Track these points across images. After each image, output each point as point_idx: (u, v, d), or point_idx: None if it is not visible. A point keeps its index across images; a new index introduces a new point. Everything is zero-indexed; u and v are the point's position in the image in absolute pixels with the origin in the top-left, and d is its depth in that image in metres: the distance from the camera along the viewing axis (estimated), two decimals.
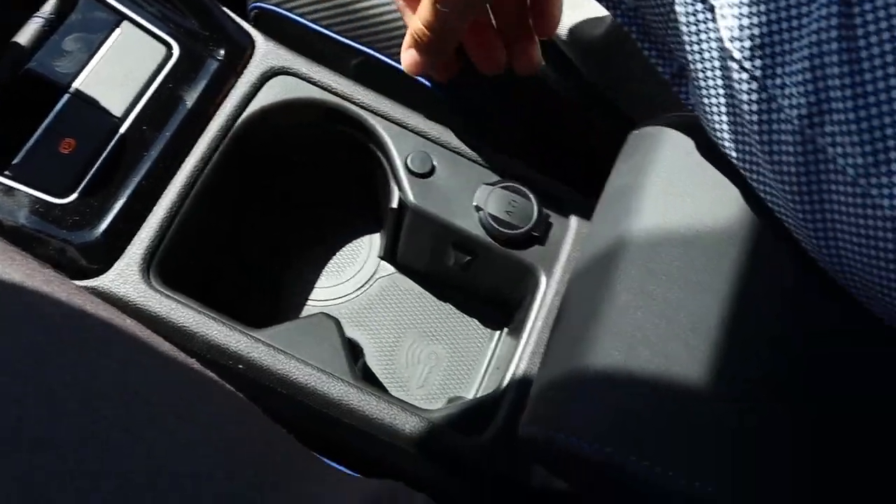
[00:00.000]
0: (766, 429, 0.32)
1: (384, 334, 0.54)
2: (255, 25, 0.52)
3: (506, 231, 0.47)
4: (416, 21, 0.43)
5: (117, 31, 0.47)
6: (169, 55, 0.47)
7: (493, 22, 0.48)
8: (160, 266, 0.44)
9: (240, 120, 0.48)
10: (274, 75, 0.50)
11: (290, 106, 0.50)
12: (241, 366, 0.42)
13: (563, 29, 0.50)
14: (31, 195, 0.42)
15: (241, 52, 0.50)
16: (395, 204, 0.49)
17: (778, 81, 0.30)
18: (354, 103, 0.50)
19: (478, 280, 0.52)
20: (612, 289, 0.36)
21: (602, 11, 0.50)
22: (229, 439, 0.30)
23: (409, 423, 0.42)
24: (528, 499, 0.43)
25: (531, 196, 0.48)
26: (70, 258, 0.42)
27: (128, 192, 0.44)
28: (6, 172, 0.42)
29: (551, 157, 0.57)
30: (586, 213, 0.49)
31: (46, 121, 0.43)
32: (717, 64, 0.32)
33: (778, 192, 0.33)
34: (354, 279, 0.56)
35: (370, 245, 0.57)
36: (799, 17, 0.29)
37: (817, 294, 0.35)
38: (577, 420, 0.33)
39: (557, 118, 0.57)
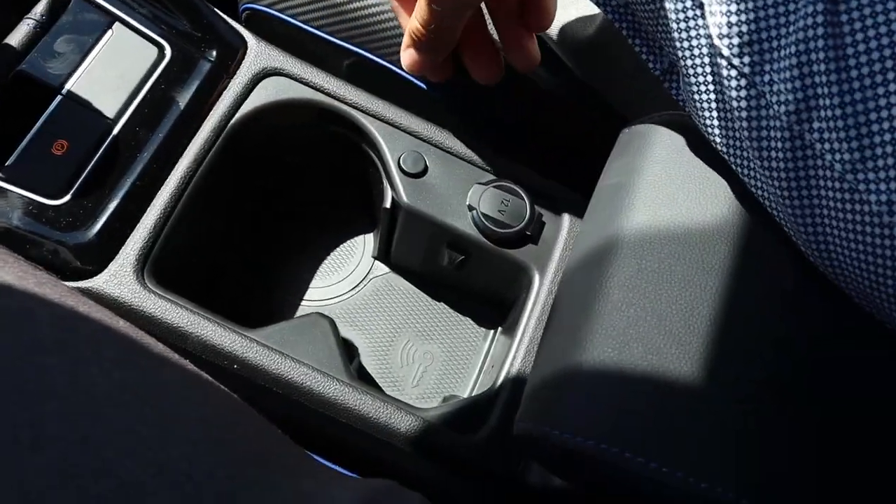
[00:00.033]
0: (759, 423, 0.32)
1: (379, 334, 0.54)
2: (246, 26, 0.52)
3: (499, 230, 0.47)
4: (414, 21, 0.44)
5: (109, 32, 0.47)
6: (161, 56, 0.47)
7: (489, 20, 0.49)
8: (154, 267, 0.44)
9: (233, 121, 0.48)
10: (266, 76, 0.50)
11: (282, 106, 0.50)
12: (236, 366, 0.42)
13: (553, 27, 0.50)
14: (24, 197, 0.42)
15: (234, 53, 0.50)
16: (388, 204, 0.50)
17: (766, 78, 0.30)
18: (347, 104, 0.50)
19: (472, 279, 0.52)
20: (605, 286, 0.36)
21: (592, 9, 0.50)
22: (228, 439, 0.30)
23: (404, 422, 0.42)
24: (524, 497, 0.43)
25: (524, 195, 0.48)
26: (64, 259, 0.42)
27: (121, 193, 0.44)
28: None
29: (543, 155, 0.58)
30: (579, 211, 0.49)
31: (39, 122, 0.43)
32: (706, 61, 0.32)
33: (768, 187, 0.33)
34: (349, 279, 0.56)
35: (364, 245, 0.57)
36: (786, 14, 0.29)
37: (810, 291, 0.35)
38: (572, 416, 0.33)
39: (549, 117, 0.57)
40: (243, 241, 0.56)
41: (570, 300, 0.38)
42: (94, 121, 0.44)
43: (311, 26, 0.56)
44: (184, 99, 0.47)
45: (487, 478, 0.43)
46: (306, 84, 0.50)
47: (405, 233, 0.51)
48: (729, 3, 0.30)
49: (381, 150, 0.49)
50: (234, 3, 0.60)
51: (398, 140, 0.50)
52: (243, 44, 0.50)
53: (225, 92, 0.48)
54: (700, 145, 0.38)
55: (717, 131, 0.34)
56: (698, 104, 0.34)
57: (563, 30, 0.51)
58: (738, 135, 0.33)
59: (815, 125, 0.29)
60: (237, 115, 0.48)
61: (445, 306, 0.55)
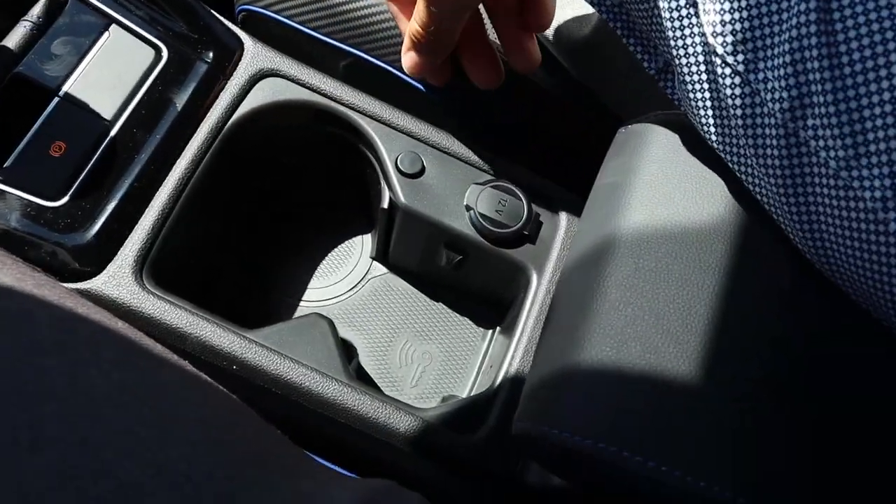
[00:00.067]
0: (756, 421, 0.32)
1: (377, 334, 0.54)
2: (242, 28, 0.52)
3: (496, 230, 0.47)
4: (413, 23, 0.44)
5: (106, 34, 0.47)
6: (158, 58, 0.48)
7: (489, 21, 0.49)
8: (152, 268, 0.44)
9: (230, 122, 0.48)
10: (263, 77, 0.50)
11: (279, 108, 0.50)
12: (234, 366, 0.42)
13: (549, 27, 0.50)
14: (22, 198, 0.42)
15: (230, 54, 0.50)
16: (385, 204, 0.50)
17: (760, 76, 0.30)
18: (344, 104, 0.50)
19: (469, 279, 0.53)
20: (603, 286, 0.36)
21: (587, 9, 0.50)
22: (227, 439, 0.30)
23: (403, 422, 0.42)
24: (523, 496, 0.43)
25: (521, 195, 0.48)
26: (62, 261, 0.42)
27: (119, 194, 0.44)
28: None
29: (540, 155, 0.58)
30: (576, 211, 0.49)
31: (36, 124, 0.43)
32: (701, 59, 0.33)
33: (765, 184, 0.33)
34: (347, 280, 0.56)
35: (362, 245, 0.57)
36: (779, 12, 0.29)
37: (806, 289, 0.35)
38: (570, 416, 0.33)
39: (546, 117, 0.57)
40: (240, 242, 0.56)
41: (567, 300, 0.38)
42: (91, 122, 0.44)
43: (308, 27, 0.56)
44: (181, 100, 0.47)
45: (486, 478, 0.43)
46: (303, 85, 0.50)
47: (403, 233, 0.51)
48: (723, 1, 0.30)
49: (379, 151, 0.49)
50: (230, 4, 0.60)
51: (395, 141, 0.50)
52: (240, 45, 0.50)
53: (222, 93, 0.48)
54: (696, 145, 0.39)
55: (712, 129, 0.34)
56: (693, 103, 0.34)
57: (559, 30, 0.51)
58: (733, 132, 0.33)
59: (810, 122, 0.29)
60: (234, 117, 0.48)
61: (443, 306, 0.55)
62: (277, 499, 0.29)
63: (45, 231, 0.42)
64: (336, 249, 0.57)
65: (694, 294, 0.35)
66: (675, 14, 0.33)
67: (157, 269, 0.44)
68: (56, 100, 0.44)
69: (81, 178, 0.43)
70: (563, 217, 0.50)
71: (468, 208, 0.48)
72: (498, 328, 0.55)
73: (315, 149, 0.54)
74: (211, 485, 0.28)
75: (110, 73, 0.46)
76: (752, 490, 0.31)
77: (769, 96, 0.30)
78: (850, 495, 0.32)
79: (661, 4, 0.33)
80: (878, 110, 0.27)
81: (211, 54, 0.49)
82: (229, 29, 0.51)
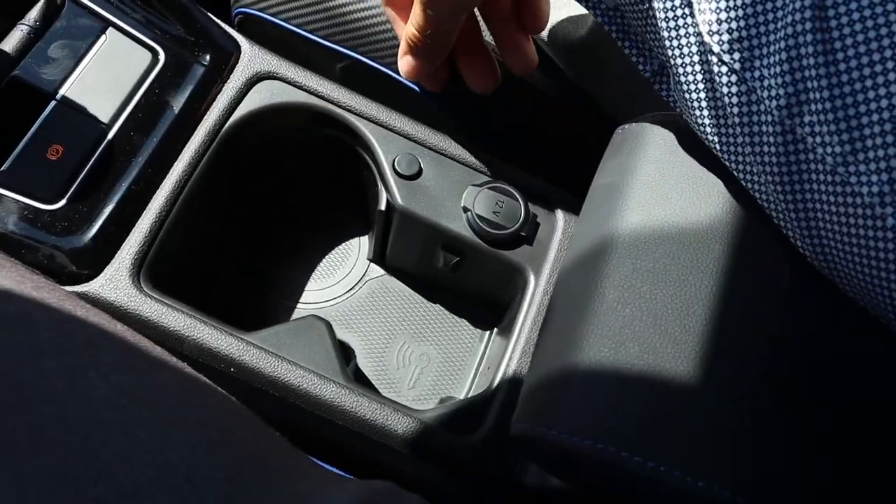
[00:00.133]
0: (755, 421, 0.32)
1: (375, 336, 0.54)
2: (238, 30, 0.52)
3: (494, 231, 0.48)
4: (410, 27, 0.44)
5: (103, 37, 0.47)
6: (155, 61, 0.48)
7: (484, 25, 0.49)
8: (150, 270, 0.44)
9: (227, 125, 0.48)
10: (260, 80, 0.50)
11: (276, 110, 0.50)
12: (232, 369, 0.42)
13: (544, 30, 0.51)
14: (19, 201, 0.42)
15: (227, 57, 0.50)
16: (383, 206, 0.50)
17: (756, 74, 0.31)
18: (341, 107, 0.50)
19: (467, 281, 0.53)
20: (600, 286, 0.36)
21: (582, 11, 0.51)
22: (226, 441, 0.30)
23: (401, 424, 0.42)
24: (522, 497, 0.43)
25: (518, 196, 0.48)
26: (60, 264, 0.42)
27: (116, 197, 0.44)
28: None
29: (537, 156, 0.58)
30: (573, 211, 0.50)
31: (33, 128, 0.43)
32: (696, 59, 0.33)
33: (762, 182, 0.33)
34: (344, 281, 0.56)
35: (359, 247, 0.57)
36: (775, 10, 0.29)
37: (805, 289, 0.35)
38: (568, 416, 0.33)
39: (543, 118, 0.58)
40: (238, 244, 0.56)
41: (565, 300, 0.38)
42: (88, 126, 0.44)
43: (304, 30, 0.57)
44: (178, 103, 0.47)
45: (484, 479, 0.43)
46: (300, 87, 0.50)
47: (400, 235, 0.51)
48: (718, 0, 0.31)
49: (376, 153, 0.49)
50: (226, 7, 0.60)
51: (392, 142, 0.50)
52: (237, 48, 0.50)
53: (219, 96, 0.48)
54: (693, 145, 0.39)
55: (709, 129, 0.34)
56: (690, 102, 0.35)
57: (554, 31, 0.51)
58: (730, 131, 0.33)
59: (806, 119, 0.29)
60: (231, 119, 0.48)
61: (441, 308, 0.55)
62: (277, 500, 0.29)
63: (42, 234, 0.42)
64: (333, 251, 0.57)
65: (692, 294, 0.35)
66: (671, 14, 0.33)
67: (155, 271, 0.44)
68: (53, 103, 0.44)
69: (79, 181, 0.43)
70: (561, 218, 0.50)
71: (465, 210, 0.48)
72: (495, 329, 0.55)
73: (312, 151, 0.54)
74: (210, 486, 0.28)
75: (107, 76, 0.46)
76: (752, 489, 0.31)
77: (766, 94, 0.30)
78: (849, 494, 0.32)
79: (655, 5, 0.33)
80: (874, 106, 0.27)
81: (208, 57, 0.49)
82: (226, 32, 0.51)
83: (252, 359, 0.42)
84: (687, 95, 0.34)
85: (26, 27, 0.45)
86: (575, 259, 0.39)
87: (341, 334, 0.53)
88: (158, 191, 0.45)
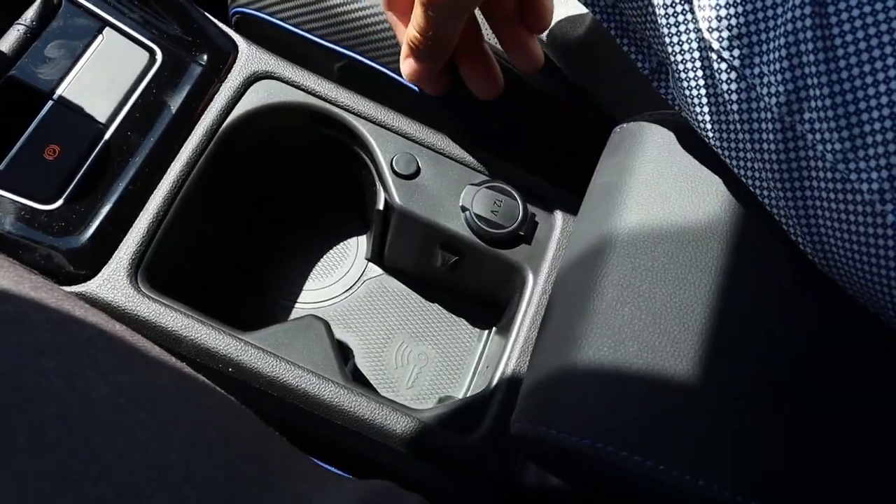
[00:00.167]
0: (755, 420, 0.32)
1: (373, 336, 0.54)
2: (236, 30, 0.52)
3: (492, 231, 0.47)
4: (411, 29, 0.44)
5: (100, 37, 0.46)
6: (152, 61, 0.47)
7: (487, 29, 0.49)
8: (148, 270, 0.44)
9: (224, 124, 0.48)
10: (257, 79, 0.50)
11: (274, 110, 0.50)
12: (230, 369, 0.42)
13: (548, 29, 0.51)
14: (16, 202, 0.41)
15: (225, 56, 0.50)
16: (381, 206, 0.50)
17: (756, 70, 0.31)
18: (338, 106, 0.50)
19: (465, 280, 0.53)
20: (599, 285, 0.36)
21: (581, 9, 0.51)
22: (226, 441, 0.30)
23: (400, 424, 0.42)
24: (521, 497, 0.43)
25: (516, 195, 0.48)
26: (57, 264, 0.42)
27: (114, 197, 0.44)
28: None
29: (535, 156, 0.58)
30: (571, 211, 0.49)
31: (31, 128, 0.43)
32: (696, 55, 0.33)
33: (762, 179, 0.33)
34: (342, 281, 0.56)
35: (357, 247, 0.57)
36: (774, 6, 0.29)
37: (806, 288, 0.35)
38: (567, 415, 0.33)
39: (541, 117, 0.58)
40: (235, 244, 0.56)
41: (564, 299, 0.38)
42: (85, 126, 0.44)
43: (302, 30, 0.56)
44: (175, 103, 0.47)
45: (483, 478, 0.43)
46: (297, 87, 0.50)
47: (398, 234, 0.51)
48: None
49: (374, 152, 0.49)
50: (223, 7, 0.60)
51: (390, 142, 0.50)
52: (234, 47, 0.50)
53: (216, 96, 0.48)
54: (692, 144, 0.39)
55: (708, 126, 0.34)
56: (689, 99, 0.35)
57: (553, 30, 0.51)
58: (730, 128, 0.33)
59: (806, 116, 0.29)
60: (228, 119, 0.48)
61: (439, 307, 0.55)
62: (277, 500, 0.29)
63: (39, 234, 0.41)
64: (331, 251, 0.57)
65: (691, 293, 0.35)
66: (670, 10, 0.33)
67: (152, 272, 0.44)
68: (50, 103, 0.44)
69: (76, 181, 0.43)
70: (559, 217, 0.50)
71: (464, 209, 0.48)
72: (494, 329, 0.55)
73: (310, 151, 0.54)
74: (210, 486, 0.28)
75: (104, 76, 0.46)
76: (752, 489, 0.31)
77: (765, 91, 0.30)
78: (849, 493, 0.32)
79: (655, 1, 0.33)
80: (874, 102, 0.27)
81: (205, 57, 0.49)
82: (223, 31, 0.51)
83: (250, 359, 0.42)
84: (686, 92, 0.34)
85: (23, 27, 0.44)
86: (574, 258, 0.39)
87: (339, 334, 0.53)
88: (156, 191, 0.45)
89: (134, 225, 0.44)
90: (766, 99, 0.30)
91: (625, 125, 0.42)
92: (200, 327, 0.42)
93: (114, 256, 0.43)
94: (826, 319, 0.35)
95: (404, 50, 0.47)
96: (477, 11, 0.48)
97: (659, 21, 0.33)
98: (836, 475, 0.32)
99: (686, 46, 0.33)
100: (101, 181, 0.44)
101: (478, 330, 0.55)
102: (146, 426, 0.28)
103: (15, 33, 0.44)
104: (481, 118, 0.57)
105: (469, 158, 0.50)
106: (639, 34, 0.38)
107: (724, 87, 0.32)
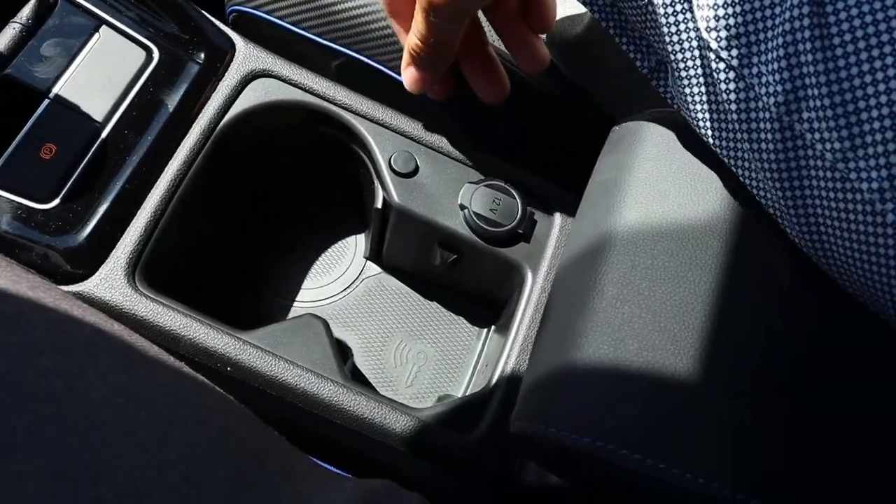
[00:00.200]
0: (755, 418, 0.32)
1: (372, 334, 0.54)
2: (233, 28, 0.52)
3: (491, 229, 0.47)
4: (412, 37, 0.43)
5: (96, 35, 0.46)
6: (149, 59, 0.47)
7: (491, 27, 0.48)
8: (145, 270, 0.44)
9: (222, 123, 0.48)
10: (255, 78, 0.50)
11: (272, 108, 0.50)
12: (229, 368, 0.42)
13: (551, 29, 0.50)
14: (12, 201, 0.41)
15: (222, 55, 0.49)
16: (379, 204, 0.49)
17: (755, 70, 0.31)
18: (336, 104, 0.50)
19: (464, 278, 0.52)
20: (599, 283, 0.36)
21: (580, 8, 0.50)
22: (225, 441, 0.30)
23: (399, 422, 0.42)
24: (521, 496, 0.43)
25: (515, 194, 0.48)
26: (54, 263, 0.41)
27: (111, 196, 0.43)
28: None
29: (534, 154, 0.58)
30: (570, 209, 0.49)
31: (27, 126, 0.43)
32: (696, 54, 0.33)
33: (760, 179, 0.33)
34: (341, 280, 0.56)
35: (355, 245, 0.57)
36: (772, 6, 0.29)
37: (805, 286, 0.35)
38: (567, 414, 0.33)
39: (540, 116, 0.57)
40: (233, 243, 0.56)
41: (564, 298, 0.38)
42: (82, 124, 0.44)
43: (299, 28, 0.56)
44: (172, 102, 0.47)
45: (483, 477, 0.43)
46: (295, 85, 0.50)
47: (397, 233, 0.51)
48: None
49: (372, 151, 0.49)
50: (220, 5, 0.60)
51: (388, 140, 0.50)
52: (231, 46, 0.50)
53: (213, 94, 0.48)
54: (691, 142, 0.39)
55: (707, 125, 0.34)
56: (688, 98, 0.34)
57: (552, 29, 0.51)
58: (728, 127, 0.33)
59: (805, 115, 0.29)
60: (226, 118, 0.48)
61: (438, 306, 0.55)
62: (276, 500, 0.29)
63: (35, 234, 0.41)
64: (329, 249, 0.57)
65: (691, 291, 0.35)
66: (670, 10, 0.33)
67: (150, 271, 0.44)
68: (46, 102, 0.44)
69: (72, 180, 0.43)
70: (558, 215, 0.50)
71: (462, 207, 0.48)
72: (493, 327, 0.54)
73: (308, 149, 0.53)
74: (209, 486, 0.28)
75: (101, 74, 0.46)
76: (751, 487, 0.31)
77: (763, 90, 0.30)
78: (849, 491, 0.32)
79: (655, 0, 0.33)
80: (873, 101, 0.27)
81: (202, 55, 0.49)
82: (220, 30, 0.51)
83: (249, 358, 0.42)
84: (685, 91, 0.34)
85: (18, 25, 0.44)
86: (573, 256, 0.39)
87: (338, 333, 0.53)
88: (153, 190, 0.45)
89: (131, 224, 0.44)
90: (765, 99, 0.30)
91: (623, 123, 0.42)
92: (199, 326, 0.42)
93: (111, 256, 0.43)
94: (825, 317, 0.35)
95: (405, 58, 0.46)
96: (480, 15, 0.47)
97: (659, 20, 0.33)
98: (836, 473, 0.32)
99: (686, 45, 0.33)
100: (98, 180, 0.44)
101: (477, 328, 0.55)
102: (145, 426, 0.28)
103: (10, 31, 0.44)
104: (481, 118, 0.57)
105: (467, 157, 0.50)
106: (638, 33, 0.38)
107: (723, 86, 0.32)
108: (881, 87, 0.27)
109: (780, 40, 0.29)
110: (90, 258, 0.42)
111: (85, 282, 0.42)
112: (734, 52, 0.31)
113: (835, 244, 0.31)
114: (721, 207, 0.37)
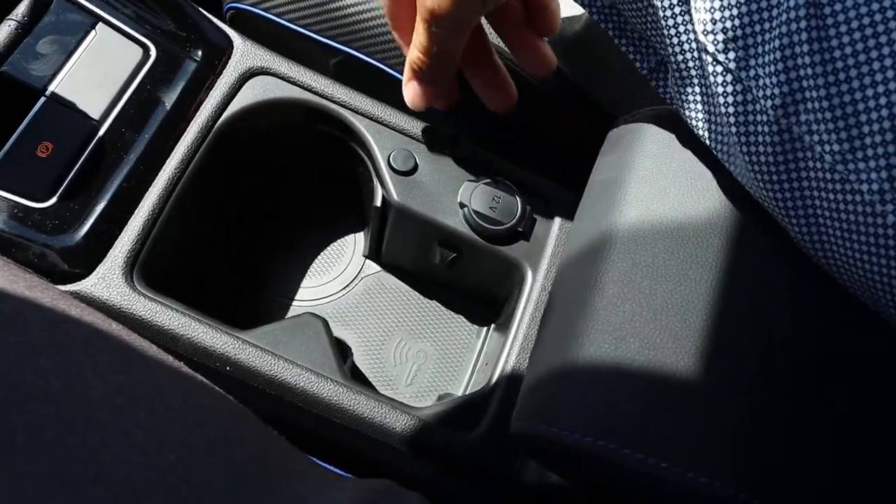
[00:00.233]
0: (756, 416, 0.32)
1: (371, 333, 0.54)
2: (231, 26, 0.52)
3: (490, 227, 0.47)
4: (413, 50, 0.42)
5: (93, 33, 0.46)
6: (146, 57, 0.47)
7: (496, 34, 0.48)
8: (143, 268, 0.43)
9: (220, 121, 0.47)
10: (253, 75, 0.49)
11: (270, 106, 0.49)
12: (228, 368, 0.42)
13: (556, 32, 0.50)
14: (9, 200, 0.41)
15: (220, 52, 0.49)
16: (378, 202, 0.49)
17: (752, 73, 0.31)
18: (335, 102, 0.50)
19: (464, 277, 0.52)
20: (600, 282, 0.36)
21: (580, 9, 0.50)
22: (225, 441, 0.30)
23: (399, 422, 0.42)
24: (521, 495, 0.43)
25: (515, 192, 0.48)
26: (51, 263, 0.41)
27: (108, 195, 0.43)
28: None
29: (534, 153, 0.58)
30: (570, 208, 0.49)
31: (23, 125, 0.42)
32: (695, 55, 0.33)
33: (753, 182, 0.33)
34: (340, 278, 0.56)
35: (354, 244, 0.57)
36: (769, 9, 0.29)
37: (805, 284, 0.35)
38: (568, 413, 0.33)
39: (540, 114, 0.57)
40: (231, 241, 0.55)
41: (564, 296, 0.38)
42: (79, 122, 0.44)
43: (297, 25, 0.56)
44: (170, 99, 0.46)
45: (483, 476, 0.43)
46: (293, 83, 0.50)
47: (396, 231, 0.51)
48: None
49: (371, 149, 0.49)
50: (218, 2, 0.60)
51: (387, 138, 0.49)
52: (229, 43, 0.50)
53: (211, 92, 0.48)
54: (690, 140, 0.39)
55: (705, 126, 0.34)
56: (687, 98, 0.34)
57: None
58: (725, 130, 0.33)
59: (803, 118, 0.29)
60: (224, 116, 0.48)
61: (438, 304, 0.55)
62: (276, 500, 0.29)
63: (32, 233, 0.41)
64: (328, 248, 0.57)
65: (692, 289, 0.35)
66: (669, 12, 0.33)
67: (148, 270, 0.44)
68: (42, 100, 0.43)
69: (69, 178, 0.43)
70: (558, 214, 0.49)
71: (462, 205, 0.48)
72: (493, 325, 0.54)
73: (306, 147, 0.53)
74: (209, 487, 0.27)
75: (98, 72, 0.45)
76: (754, 486, 0.31)
77: (761, 93, 0.30)
78: (849, 489, 0.32)
79: (654, 3, 0.33)
80: (872, 103, 0.27)
81: (200, 53, 0.48)
82: (218, 27, 0.51)
83: (248, 357, 0.42)
84: (685, 90, 0.34)
85: (14, 22, 0.44)
86: (573, 255, 0.39)
87: (338, 332, 0.53)
88: (151, 188, 0.45)
89: (129, 223, 0.44)
90: (762, 101, 0.30)
91: (623, 123, 0.41)
92: (197, 325, 0.42)
93: (108, 255, 0.43)
94: (826, 317, 0.35)
95: (406, 73, 0.45)
96: (484, 22, 0.47)
97: (659, 22, 0.33)
98: (836, 472, 0.32)
99: (686, 47, 0.33)
100: (96, 178, 0.43)
101: (476, 327, 0.55)
102: (144, 426, 0.28)
103: (6, 28, 0.44)
104: (481, 117, 0.57)
105: (467, 155, 0.50)
106: (637, 34, 0.38)
107: (720, 89, 0.32)
108: (880, 87, 0.27)
109: (777, 42, 0.29)
110: (87, 257, 0.42)
111: (82, 281, 0.42)
112: (731, 55, 0.31)
113: (835, 245, 0.31)
114: (722, 205, 0.37)
